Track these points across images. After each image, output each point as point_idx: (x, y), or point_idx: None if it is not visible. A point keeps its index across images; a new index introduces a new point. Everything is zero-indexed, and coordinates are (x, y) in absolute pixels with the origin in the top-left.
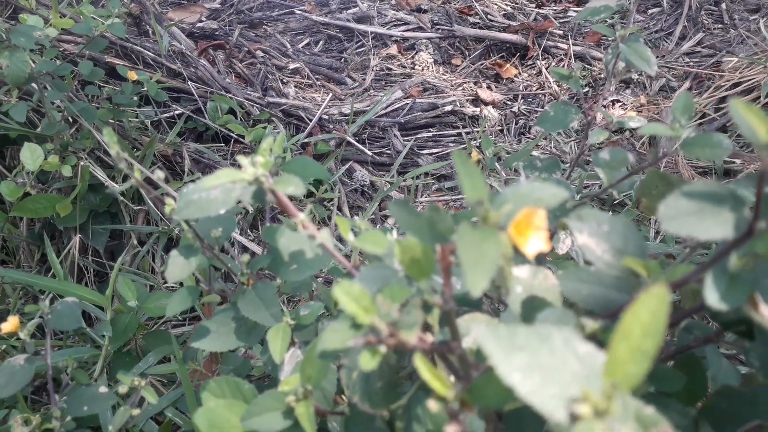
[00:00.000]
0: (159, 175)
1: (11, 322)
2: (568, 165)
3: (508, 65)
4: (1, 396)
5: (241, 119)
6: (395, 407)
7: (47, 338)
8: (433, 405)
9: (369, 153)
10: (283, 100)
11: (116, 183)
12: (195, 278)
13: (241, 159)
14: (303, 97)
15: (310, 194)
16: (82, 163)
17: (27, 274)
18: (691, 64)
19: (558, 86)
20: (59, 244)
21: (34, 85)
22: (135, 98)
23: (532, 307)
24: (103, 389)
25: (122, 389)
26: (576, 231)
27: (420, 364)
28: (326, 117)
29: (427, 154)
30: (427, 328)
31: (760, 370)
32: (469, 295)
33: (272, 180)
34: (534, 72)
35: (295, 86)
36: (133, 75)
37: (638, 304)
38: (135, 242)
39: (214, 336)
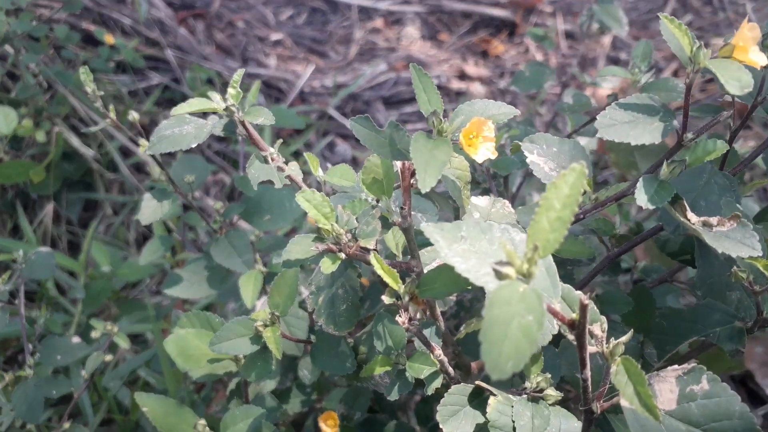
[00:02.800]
0: (134, 116)
1: None
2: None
3: (495, 42)
4: None
5: (220, 90)
6: (360, 334)
7: (20, 288)
8: (386, 298)
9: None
10: (264, 71)
11: (91, 150)
12: (167, 229)
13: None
14: (284, 69)
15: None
16: (56, 128)
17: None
18: None
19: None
20: (32, 214)
21: (8, 47)
22: (112, 64)
23: None
24: (76, 339)
25: (94, 334)
26: (527, 151)
27: (375, 261)
28: (308, 89)
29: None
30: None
31: (700, 290)
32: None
33: (242, 112)
34: (522, 50)
35: (277, 58)
36: (110, 38)
37: (559, 178)
38: (110, 212)
39: (186, 284)
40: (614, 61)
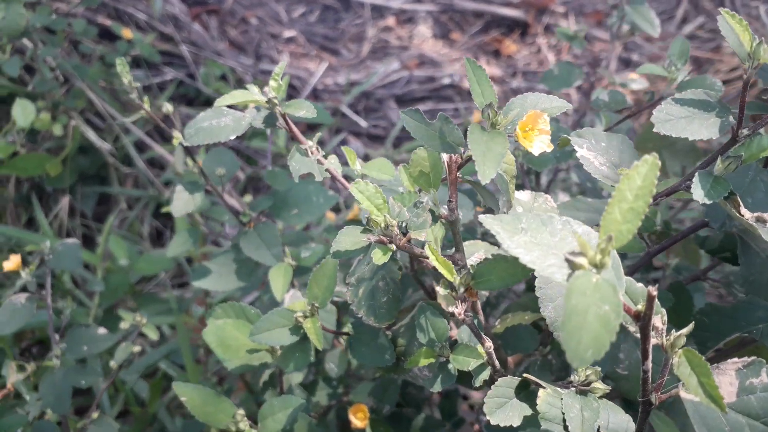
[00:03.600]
0: (168, 108)
1: (13, 261)
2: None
3: (507, 42)
4: (3, 333)
5: (234, 86)
6: (398, 327)
7: (47, 279)
8: (440, 290)
9: (364, 124)
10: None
11: (107, 143)
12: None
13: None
14: (297, 66)
15: None
16: (73, 122)
17: (17, 230)
18: (692, 47)
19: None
20: (46, 207)
21: (26, 42)
22: (128, 59)
23: None
24: (102, 330)
25: (123, 325)
26: (576, 146)
27: (430, 253)
28: (321, 87)
29: None
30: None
31: (742, 287)
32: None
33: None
34: (534, 50)
35: (290, 55)
36: (127, 33)
37: (632, 170)
38: (124, 206)
39: (214, 276)
40: (626, 62)
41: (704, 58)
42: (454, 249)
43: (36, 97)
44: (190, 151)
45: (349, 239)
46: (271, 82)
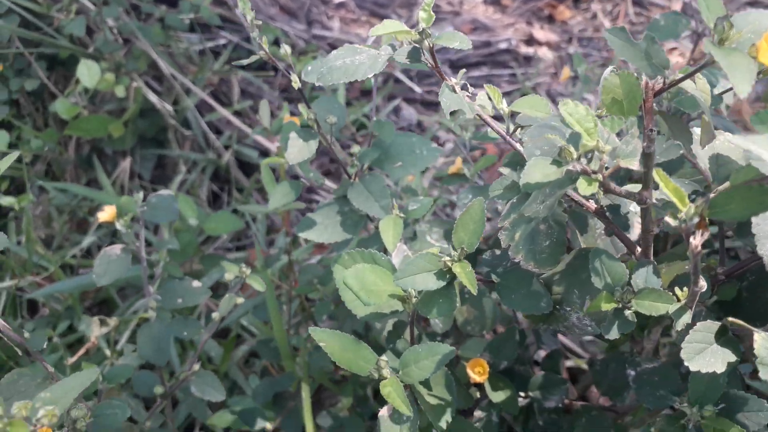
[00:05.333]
0: (286, 49)
1: (108, 212)
2: None
3: (561, 7)
4: (101, 284)
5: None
6: (550, 275)
7: (141, 231)
8: (670, 220)
9: (418, 90)
10: (328, 33)
11: (169, 106)
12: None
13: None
14: (348, 32)
15: (362, 126)
16: (135, 84)
17: (85, 188)
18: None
19: None
20: (105, 169)
21: (86, 2)
22: (186, 21)
23: (718, 163)
24: (196, 283)
25: (228, 276)
26: None
27: (660, 178)
28: None
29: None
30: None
31: None
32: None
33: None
34: (589, 16)
35: (340, 21)
36: None
37: None
38: (183, 168)
39: (320, 227)
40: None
41: None
42: (641, 186)
43: (97, 59)
44: (304, 97)
45: (539, 171)
46: (421, 13)
